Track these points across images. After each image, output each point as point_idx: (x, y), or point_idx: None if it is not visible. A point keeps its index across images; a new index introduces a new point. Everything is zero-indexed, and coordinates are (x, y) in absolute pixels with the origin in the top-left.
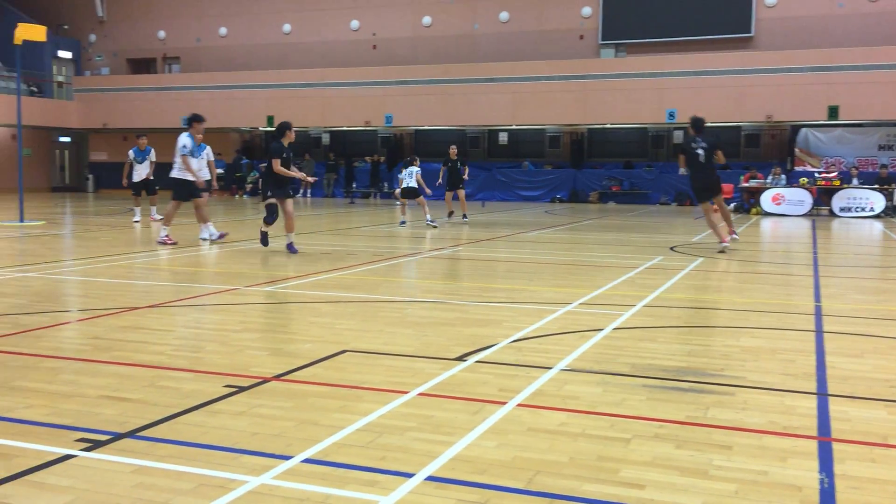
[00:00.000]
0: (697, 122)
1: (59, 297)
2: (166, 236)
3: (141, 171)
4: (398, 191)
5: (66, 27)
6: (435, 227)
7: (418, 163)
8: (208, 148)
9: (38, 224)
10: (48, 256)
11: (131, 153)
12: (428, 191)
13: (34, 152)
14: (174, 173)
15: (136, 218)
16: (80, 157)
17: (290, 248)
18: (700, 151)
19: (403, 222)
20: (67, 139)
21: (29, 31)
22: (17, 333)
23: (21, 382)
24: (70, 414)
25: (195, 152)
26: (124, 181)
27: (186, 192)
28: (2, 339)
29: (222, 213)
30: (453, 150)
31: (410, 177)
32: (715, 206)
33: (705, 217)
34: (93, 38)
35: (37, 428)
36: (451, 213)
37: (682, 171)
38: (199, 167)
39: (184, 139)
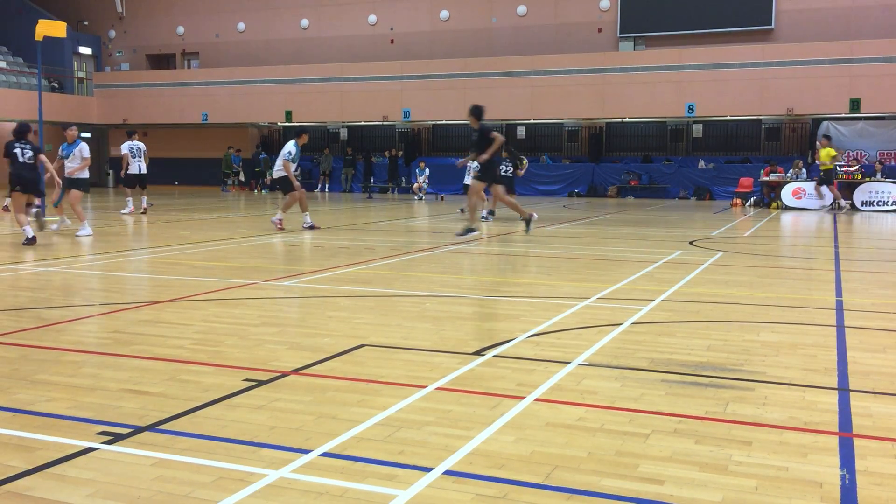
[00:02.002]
0: (478, 110)
1: (80, 292)
2: (279, 220)
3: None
4: (416, 185)
5: (86, 23)
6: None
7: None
8: (82, 144)
9: (58, 219)
10: (69, 251)
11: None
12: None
13: (55, 147)
14: (277, 174)
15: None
16: (100, 152)
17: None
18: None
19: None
20: (87, 134)
21: (49, 28)
22: (39, 327)
23: (43, 376)
24: (91, 407)
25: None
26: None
27: (290, 186)
28: (24, 332)
29: (241, 207)
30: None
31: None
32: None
33: (470, 199)
34: (112, 34)
35: (58, 421)
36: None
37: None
38: (71, 164)
39: (289, 146)
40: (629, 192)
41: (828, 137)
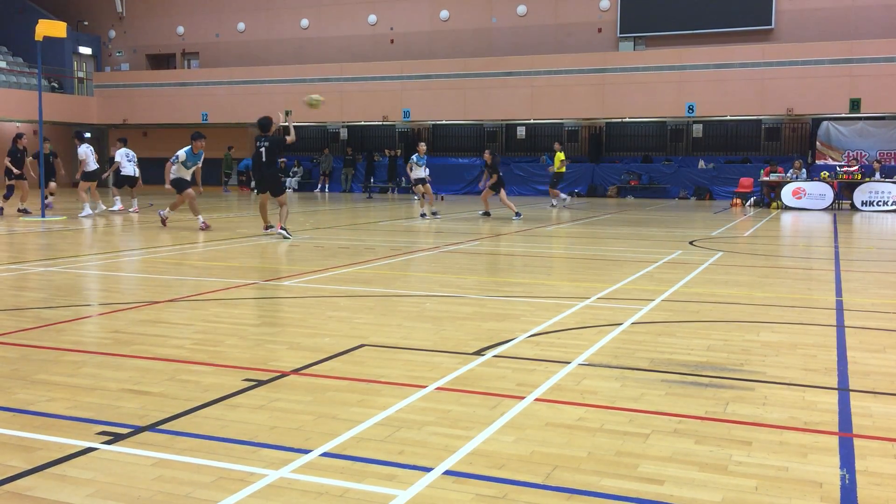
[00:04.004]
0: (265, 123)
1: (80, 292)
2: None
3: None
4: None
5: (85, 23)
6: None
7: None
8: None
9: (59, 219)
10: (69, 251)
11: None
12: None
13: (55, 148)
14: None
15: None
16: (100, 152)
17: None
18: (262, 150)
19: (424, 215)
20: (88, 135)
21: (49, 28)
22: (39, 327)
23: (43, 376)
24: (91, 407)
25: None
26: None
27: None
28: (24, 332)
29: (242, 207)
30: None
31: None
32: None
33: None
34: (112, 34)
35: (58, 421)
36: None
37: None
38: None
39: (179, 153)
40: (629, 192)
41: (560, 143)
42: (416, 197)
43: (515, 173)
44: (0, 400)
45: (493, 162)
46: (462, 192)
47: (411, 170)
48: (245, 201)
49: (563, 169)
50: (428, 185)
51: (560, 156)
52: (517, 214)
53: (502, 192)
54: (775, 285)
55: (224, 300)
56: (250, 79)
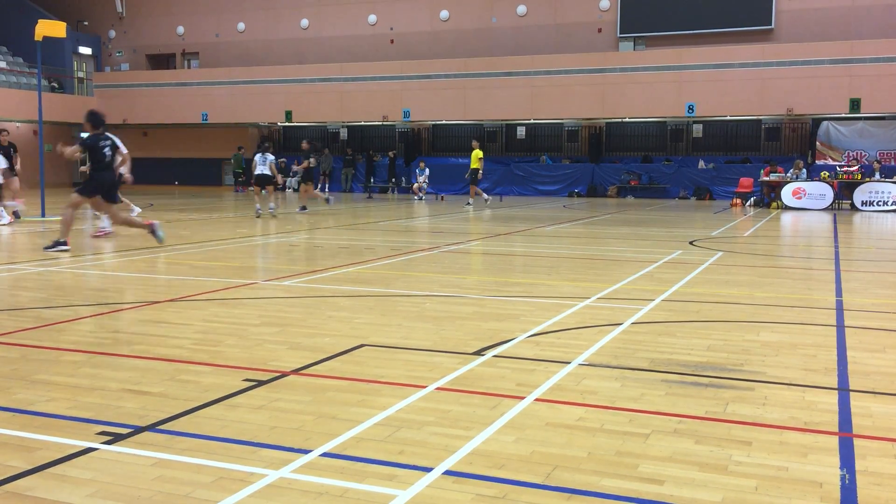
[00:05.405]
0: (96, 118)
1: (80, 292)
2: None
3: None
4: (416, 185)
5: (85, 23)
6: (275, 216)
7: (272, 149)
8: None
9: (59, 219)
10: (69, 251)
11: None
12: (279, 180)
13: (55, 148)
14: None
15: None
16: None
17: None
18: (107, 150)
19: (259, 212)
20: (88, 135)
21: (49, 28)
22: (39, 327)
23: (43, 376)
24: (91, 407)
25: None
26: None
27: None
28: (24, 332)
29: (241, 207)
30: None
31: (263, 164)
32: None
33: (65, 211)
34: (112, 34)
35: (58, 421)
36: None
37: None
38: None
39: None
40: (629, 192)
41: (478, 139)
42: (416, 197)
43: (515, 173)
44: (0, 400)
45: (308, 149)
46: (462, 191)
47: (255, 167)
48: (248, 201)
49: (479, 165)
50: (273, 184)
51: (478, 153)
52: (302, 208)
53: (310, 183)
54: (775, 285)
55: (224, 300)
56: (250, 79)
